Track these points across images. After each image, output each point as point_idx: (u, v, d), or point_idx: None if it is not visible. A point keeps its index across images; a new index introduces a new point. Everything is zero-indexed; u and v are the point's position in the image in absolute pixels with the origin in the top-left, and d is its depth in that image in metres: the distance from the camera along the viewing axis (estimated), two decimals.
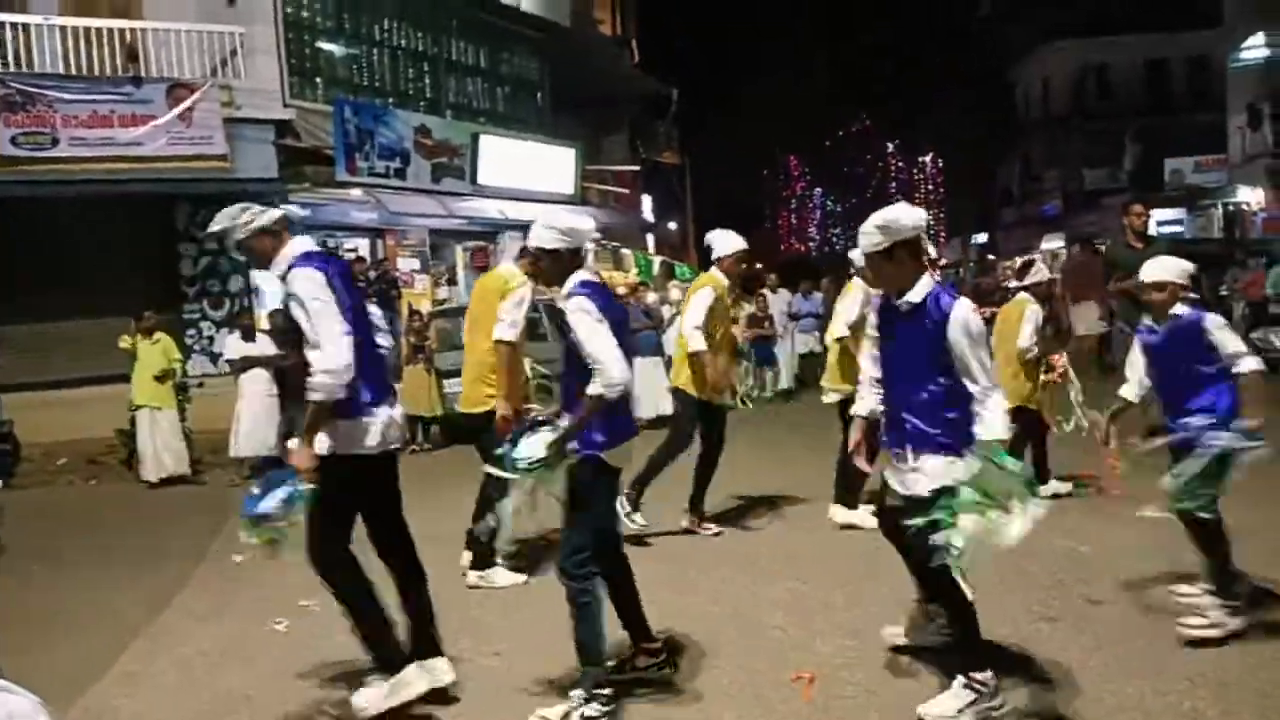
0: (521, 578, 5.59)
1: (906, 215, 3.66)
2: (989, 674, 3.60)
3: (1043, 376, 6.99)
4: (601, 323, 3.74)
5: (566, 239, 3.94)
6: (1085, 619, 4.59)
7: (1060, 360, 7.24)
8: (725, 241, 6.48)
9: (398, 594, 4.04)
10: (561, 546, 3.91)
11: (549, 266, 3.97)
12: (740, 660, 4.32)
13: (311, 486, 3.70)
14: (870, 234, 3.65)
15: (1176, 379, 4.38)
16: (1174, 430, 4.33)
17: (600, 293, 3.86)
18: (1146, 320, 4.55)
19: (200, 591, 6.00)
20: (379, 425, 3.83)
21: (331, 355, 3.65)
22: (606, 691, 3.76)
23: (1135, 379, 4.60)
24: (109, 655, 4.86)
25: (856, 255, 5.77)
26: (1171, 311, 4.35)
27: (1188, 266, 4.43)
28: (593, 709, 3.71)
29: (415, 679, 3.86)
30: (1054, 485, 6.84)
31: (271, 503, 3.74)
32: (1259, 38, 22.09)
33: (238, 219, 3.87)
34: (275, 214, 3.96)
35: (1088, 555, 5.54)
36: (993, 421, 3.46)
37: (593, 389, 3.69)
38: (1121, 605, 4.72)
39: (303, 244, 3.95)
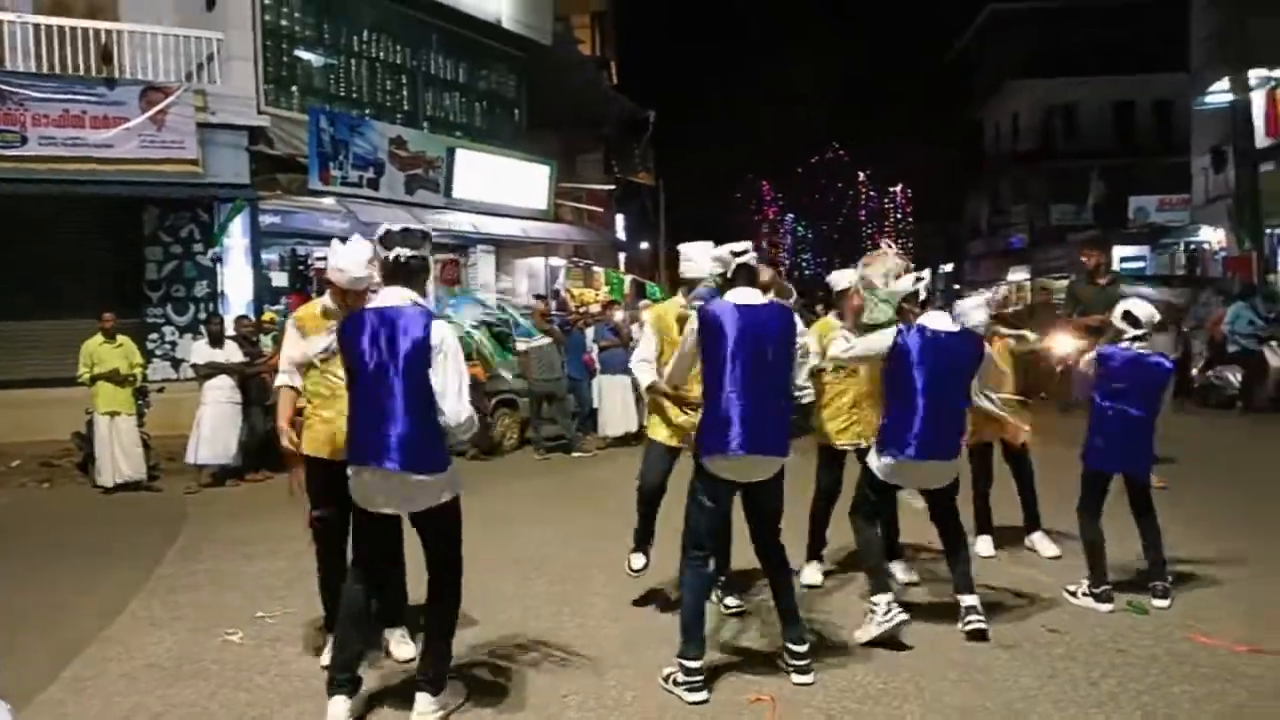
0: None
1: None
2: (885, 597, 4.71)
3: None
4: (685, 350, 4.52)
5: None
6: (1041, 646, 4.64)
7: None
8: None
9: None
10: None
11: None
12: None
13: None
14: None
15: None
16: None
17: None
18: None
19: (153, 600, 5.90)
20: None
21: None
22: (692, 664, 4.15)
23: None
24: (59, 662, 4.77)
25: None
26: None
27: None
28: (680, 675, 4.19)
29: None
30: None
31: None
32: (1224, 83, 22.57)
33: None
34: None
35: (1046, 583, 5.61)
36: None
37: None
38: (1073, 635, 4.78)
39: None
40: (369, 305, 4.02)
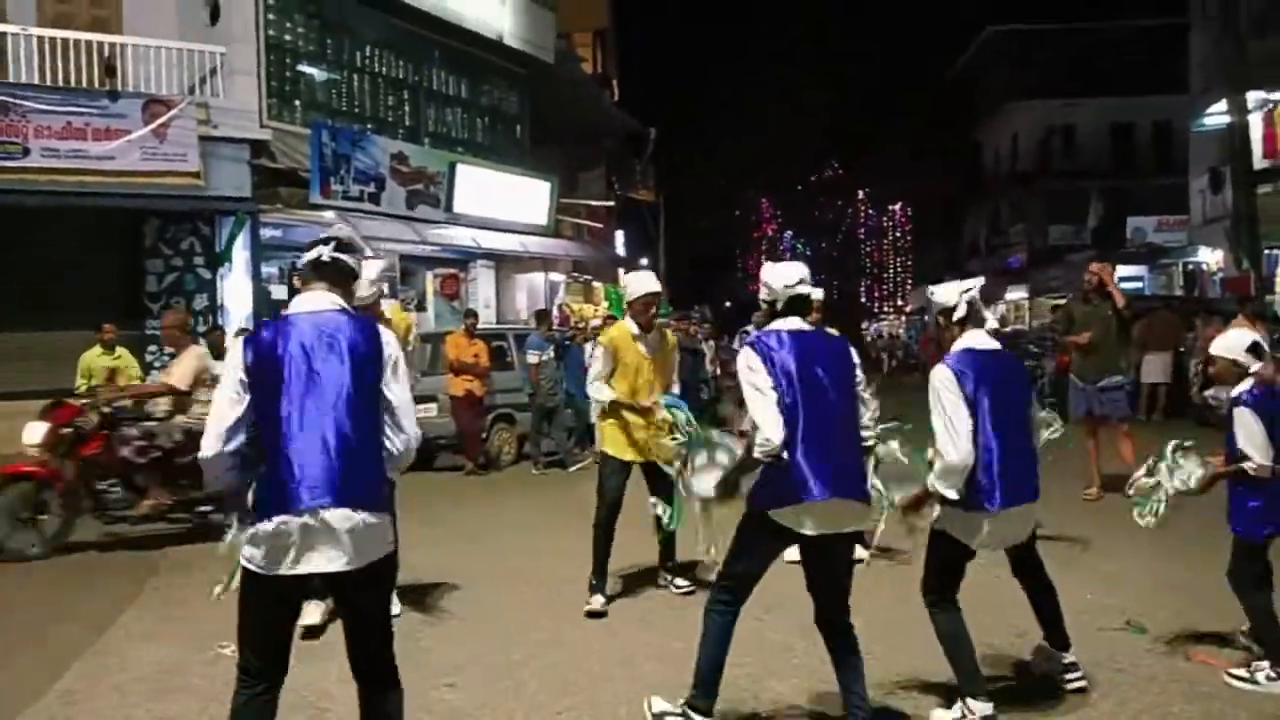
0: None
1: None
2: (985, 707, 3.87)
3: None
4: (762, 390, 3.65)
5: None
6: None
7: None
8: (634, 284, 5.83)
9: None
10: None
11: None
12: None
13: None
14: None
15: None
16: None
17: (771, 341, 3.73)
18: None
19: (145, 612, 5.87)
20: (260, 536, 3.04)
21: None
22: (698, 718, 3.77)
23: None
24: (49, 675, 4.73)
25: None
26: None
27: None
28: None
29: None
30: None
31: None
32: (1221, 105, 22.65)
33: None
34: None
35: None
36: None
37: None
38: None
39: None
40: (292, 310, 3.32)
